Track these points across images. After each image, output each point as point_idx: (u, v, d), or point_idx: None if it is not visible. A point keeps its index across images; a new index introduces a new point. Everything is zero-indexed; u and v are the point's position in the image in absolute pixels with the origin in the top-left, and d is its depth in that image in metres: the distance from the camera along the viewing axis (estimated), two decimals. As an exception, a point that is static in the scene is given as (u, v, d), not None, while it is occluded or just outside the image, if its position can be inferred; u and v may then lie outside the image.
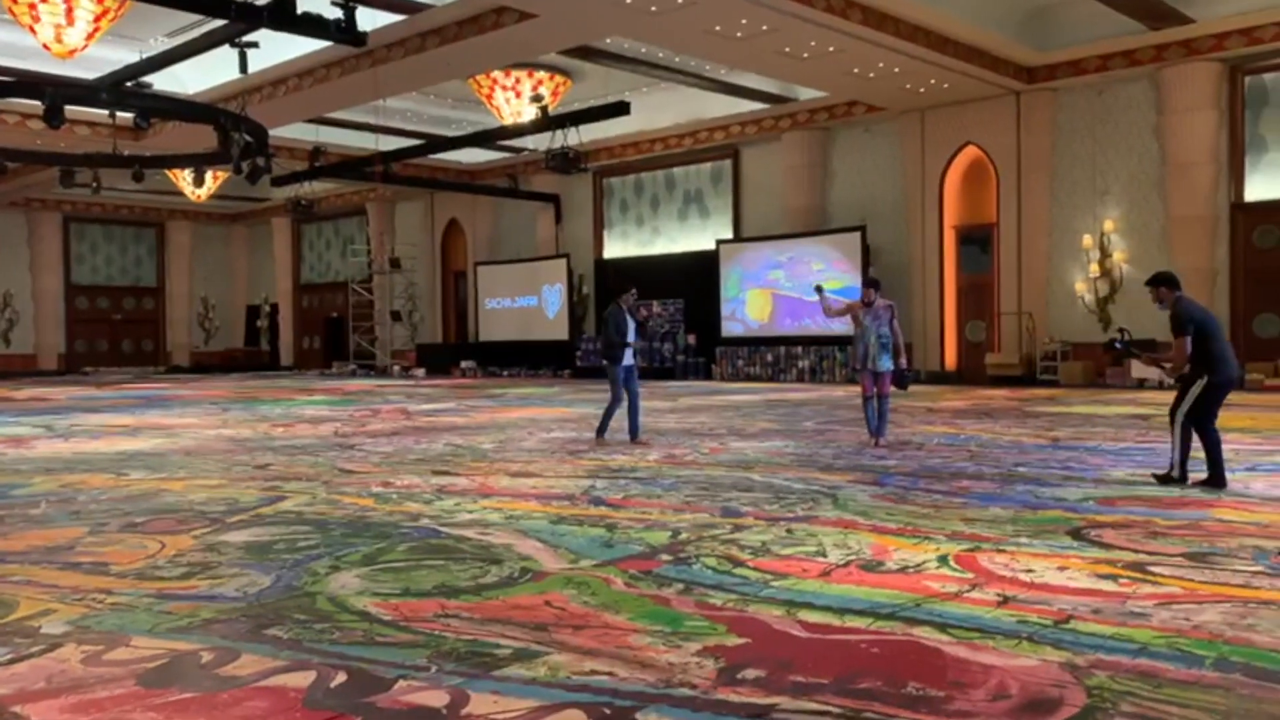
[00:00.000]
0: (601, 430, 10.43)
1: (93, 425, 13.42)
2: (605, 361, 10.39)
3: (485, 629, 3.78)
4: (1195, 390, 6.97)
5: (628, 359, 10.29)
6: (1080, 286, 20.60)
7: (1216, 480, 6.90)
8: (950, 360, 22.47)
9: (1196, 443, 7.07)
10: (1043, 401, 15.58)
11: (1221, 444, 7.07)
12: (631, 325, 10.31)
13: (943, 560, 4.86)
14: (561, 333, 29.08)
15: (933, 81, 20.17)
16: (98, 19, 17.13)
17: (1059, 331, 20.79)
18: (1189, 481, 7.01)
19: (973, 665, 3.34)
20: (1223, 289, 18.97)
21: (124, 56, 20.33)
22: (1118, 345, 7.40)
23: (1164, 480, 7.14)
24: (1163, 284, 7.26)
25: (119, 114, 21.25)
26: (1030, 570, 4.63)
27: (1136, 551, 4.98)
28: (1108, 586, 4.31)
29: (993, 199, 21.75)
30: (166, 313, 39.71)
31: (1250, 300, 18.87)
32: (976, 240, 22.33)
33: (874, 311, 9.93)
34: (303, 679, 3.26)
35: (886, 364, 9.81)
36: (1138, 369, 18.90)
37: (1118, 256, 20.17)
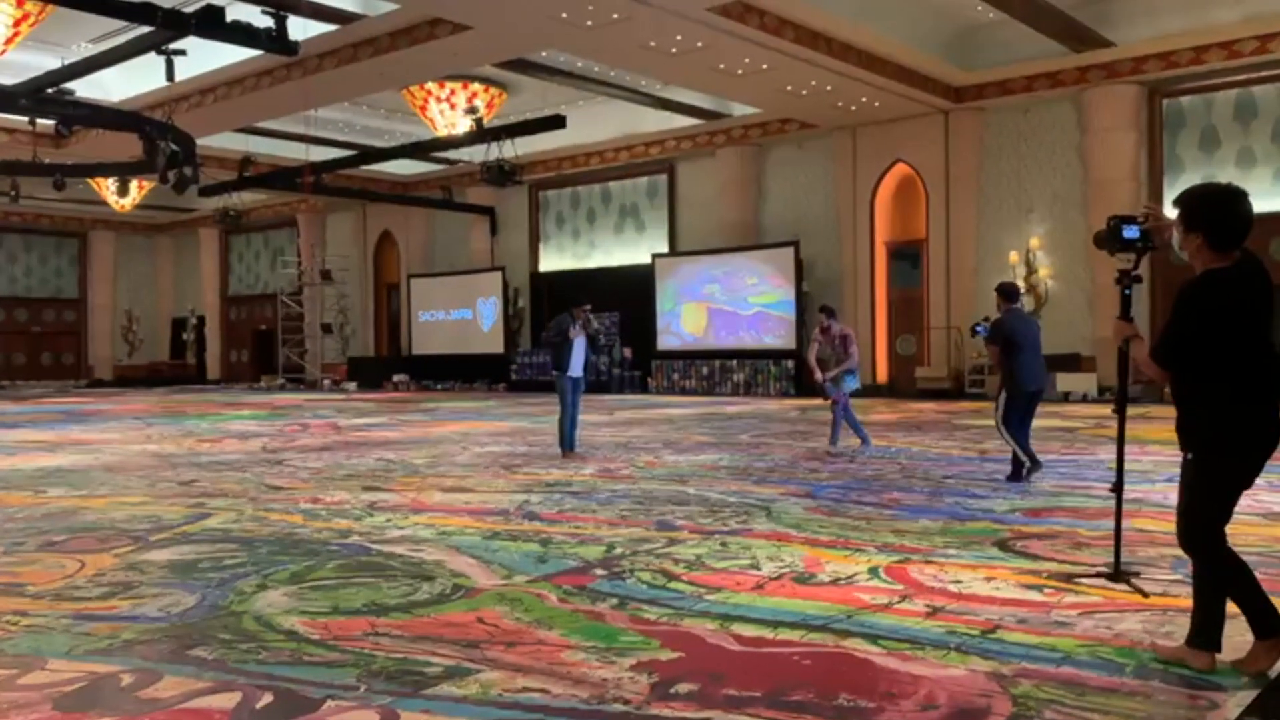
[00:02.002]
0: (568, 444, 10.32)
1: (9, 441, 13.01)
2: (554, 372, 10.35)
3: (416, 647, 3.73)
4: (1001, 400, 7.99)
5: (576, 370, 10.26)
6: (1007, 302, 21.01)
7: (1015, 476, 7.91)
8: (881, 373, 22.80)
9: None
10: (971, 414, 15.87)
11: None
12: (581, 340, 10.28)
13: (873, 572, 4.92)
14: (496, 346, 28.92)
15: (864, 100, 20.51)
16: (17, 23, 16.70)
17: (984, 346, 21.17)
18: (1041, 466, 7.98)
19: (902, 676, 3.38)
20: (1144, 303, 19.51)
21: (45, 62, 19.80)
22: (978, 331, 8.43)
23: (1014, 478, 7.93)
24: (999, 294, 8.28)
25: (39, 121, 20.71)
26: (958, 581, 4.70)
27: (1061, 562, 5.09)
28: (1033, 596, 4.40)
29: (922, 215, 22.15)
30: (89, 325, 38.65)
31: (1168, 313, 19.44)
32: (907, 256, 22.71)
33: (831, 339, 10.25)
34: (228, 701, 3.19)
35: (849, 385, 10.59)
36: (1062, 382, 19.37)
37: (1043, 272, 20.65)
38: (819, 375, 10.41)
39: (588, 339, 10.32)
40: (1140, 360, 3.59)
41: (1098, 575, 4.63)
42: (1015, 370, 7.96)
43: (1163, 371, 3.49)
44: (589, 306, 10.45)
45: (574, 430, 10.42)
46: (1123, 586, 4.45)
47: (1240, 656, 3.48)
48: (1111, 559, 5.08)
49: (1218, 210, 3.43)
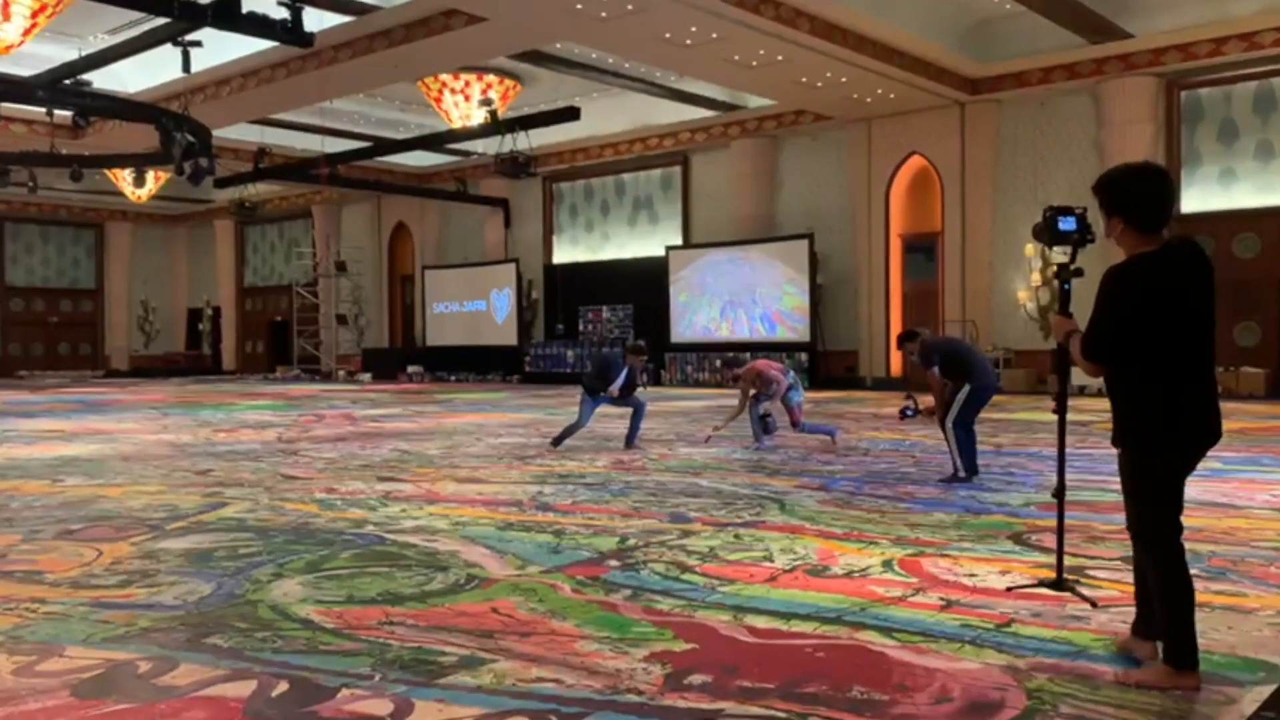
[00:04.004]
0: (557, 441, 10.42)
1: (27, 430, 13.10)
2: (583, 390, 10.55)
3: (430, 636, 3.74)
4: (960, 397, 7.77)
5: (612, 393, 10.55)
6: (1022, 295, 20.95)
7: (972, 470, 7.81)
8: (895, 367, 22.71)
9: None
10: (986, 407, 15.79)
11: (976, 441, 8.02)
12: (622, 380, 10.46)
13: (887, 565, 4.91)
14: (510, 338, 28.95)
15: (879, 91, 20.42)
16: (35, 15, 16.74)
17: (1002, 339, 21.13)
18: (978, 473, 7.83)
19: (916, 669, 3.37)
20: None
21: (63, 54, 19.89)
22: (908, 414, 8.54)
23: (951, 480, 7.74)
24: (905, 342, 8.32)
25: (57, 112, 20.80)
26: (973, 574, 4.69)
27: (1076, 555, 5.06)
28: (1048, 590, 4.37)
29: (937, 208, 22.05)
30: (105, 315, 38.86)
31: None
32: (921, 248, 22.62)
33: (758, 380, 10.28)
34: (243, 689, 3.21)
35: (795, 399, 10.33)
36: (1077, 375, 19.26)
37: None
38: (765, 409, 10.36)
39: (626, 383, 10.57)
40: (1075, 354, 3.39)
41: (1039, 584, 4.41)
42: (974, 367, 7.90)
43: (1095, 366, 3.30)
44: (646, 356, 10.93)
45: (636, 433, 10.60)
46: (1067, 594, 4.25)
47: (1253, 646, 3.46)
48: (1121, 553, 5.06)
49: (1135, 190, 3.26)
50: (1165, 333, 3.18)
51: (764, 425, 10.29)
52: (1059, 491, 4.19)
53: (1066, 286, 3.83)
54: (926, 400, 8.41)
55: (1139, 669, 3.30)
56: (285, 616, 4.03)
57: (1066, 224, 3.85)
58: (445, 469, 8.75)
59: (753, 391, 10.49)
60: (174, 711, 3.03)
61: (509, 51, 19.51)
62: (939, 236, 22.05)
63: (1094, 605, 4.10)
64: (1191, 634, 3.20)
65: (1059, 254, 3.94)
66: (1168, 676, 3.18)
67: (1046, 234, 3.89)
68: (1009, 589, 4.42)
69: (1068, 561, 4.89)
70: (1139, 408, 3.25)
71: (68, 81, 19.75)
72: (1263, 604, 4.15)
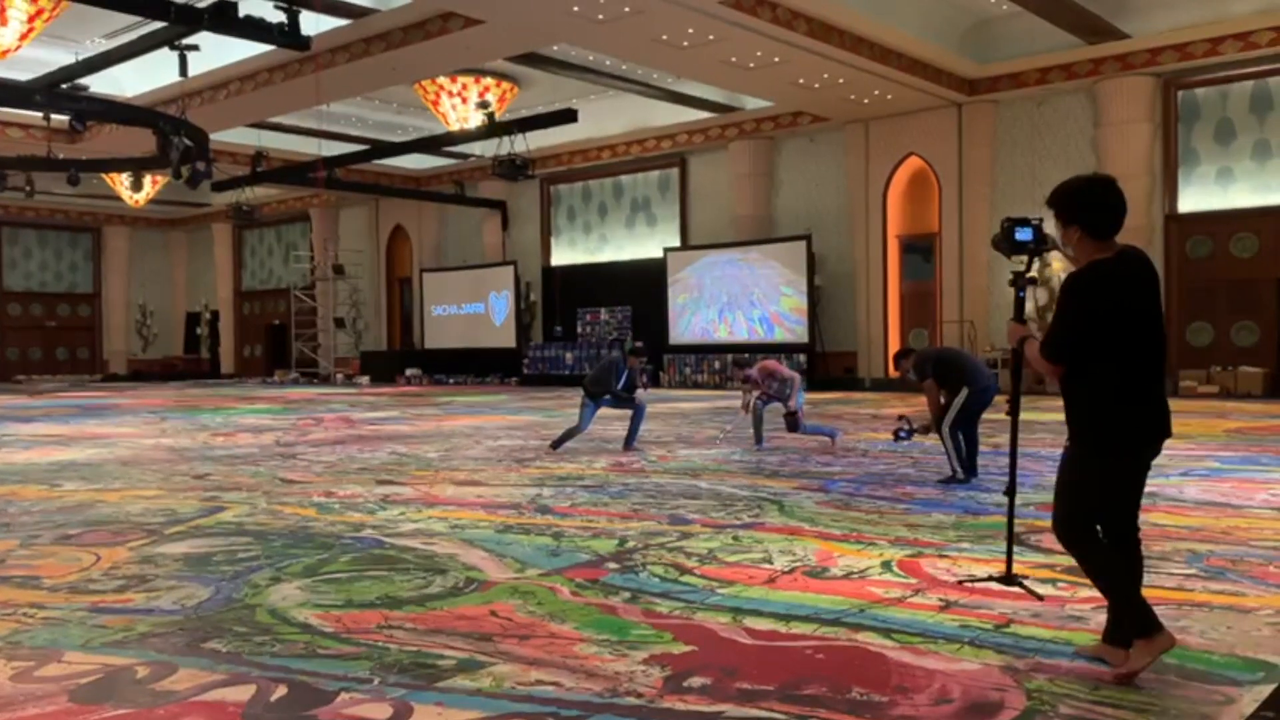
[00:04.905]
0: (557, 444, 10.41)
1: (25, 435, 13.08)
2: (584, 394, 10.55)
3: (429, 640, 3.74)
4: (958, 401, 7.78)
5: (609, 396, 10.58)
6: (1020, 295, 20.94)
7: (970, 473, 7.83)
8: (893, 367, 22.73)
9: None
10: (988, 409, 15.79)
11: (979, 444, 8.09)
12: (622, 383, 10.51)
13: (886, 566, 4.91)
14: (508, 340, 28.95)
15: (876, 93, 20.43)
16: (32, 19, 16.75)
17: (1000, 339, 21.12)
18: (977, 475, 7.88)
19: (916, 670, 3.37)
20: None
21: (59, 58, 19.89)
22: (903, 435, 8.44)
23: (948, 482, 7.77)
24: (900, 360, 8.47)
25: (54, 116, 20.81)
26: (972, 575, 4.69)
27: (1075, 556, 5.06)
28: (1047, 590, 4.38)
29: (935, 209, 22.06)
30: (103, 320, 38.82)
31: (1183, 309, 19.35)
32: (919, 249, 22.64)
33: (767, 377, 10.47)
34: (242, 693, 3.21)
35: (800, 400, 10.45)
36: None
37: (1056, 266, 20.51)
38: (791, 405, 10.39)
39: (626, 384, 10.61)
40: (1031, 356, 3.50)
41: (989, 579, 4.48)
42: (969, 370, 7.92)
43: (1052, 366, 3.41)
44: (646, 359, 10.86)
45: (635, 435, 10.60)
46: (1016, 590, 4.32)
47: (1252, 645, 3.46)
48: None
49: (1089, 198, 3.41)
50: (1123, 335, 3.31)
51: (792, 422, 10.31)
52: (1010, 490, 4.29)
53: (1022, 294, 3.96)
54: (923, 408, 8.40)
55: (1125, 664, 3.31)
56: (284, 621, 4.03)
57: (1023, 234, 3.98)
58: (444, 472, 8.74)
59: (755, 392, 10.52)
60: (172, 716, 3.02)
61: (506, 54, 19.52)
62: (936, 237, 22.06)
63: (1040, 599, 4.18)
64: (1142, 602, 3.29)
65: (1016, 263, 4.02)
66: (1145, 650, 3.24)
67: (1004, 244, 3.99)
68: (960, 582, 4.51)
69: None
70: (1096, 408, 3.35)
71: (65, 86, 19.75)
72: (1262, 603, 4.15)
